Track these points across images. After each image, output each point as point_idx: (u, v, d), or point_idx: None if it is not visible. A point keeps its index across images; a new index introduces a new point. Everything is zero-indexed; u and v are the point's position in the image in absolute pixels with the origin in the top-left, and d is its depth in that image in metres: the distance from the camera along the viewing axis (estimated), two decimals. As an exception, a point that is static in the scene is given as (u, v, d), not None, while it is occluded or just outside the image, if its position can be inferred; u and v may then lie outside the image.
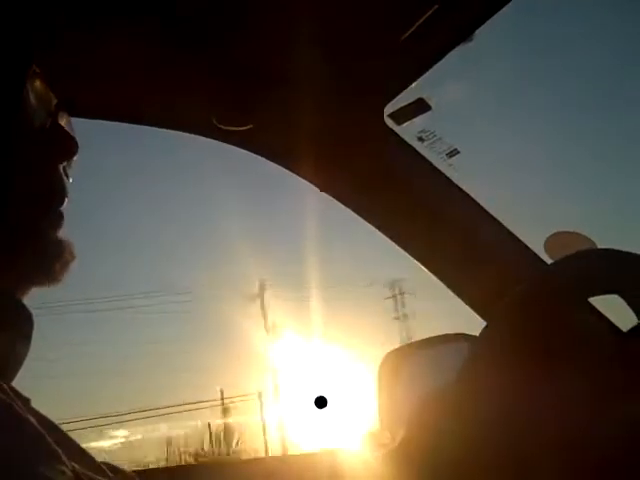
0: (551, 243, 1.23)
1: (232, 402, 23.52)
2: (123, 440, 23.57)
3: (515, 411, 0.89)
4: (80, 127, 0.79)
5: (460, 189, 1.34)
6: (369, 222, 1.42)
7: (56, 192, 0.72)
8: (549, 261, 1.22)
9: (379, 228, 1.44)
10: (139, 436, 23.05)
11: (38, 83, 0.73)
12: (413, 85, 1.29)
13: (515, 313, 0.98)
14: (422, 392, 1.36)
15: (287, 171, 1.41)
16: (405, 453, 0.93)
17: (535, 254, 1.26)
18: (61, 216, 0.73)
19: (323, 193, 1.44)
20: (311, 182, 1.45)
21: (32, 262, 0.70)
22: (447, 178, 1.36)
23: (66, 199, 0.73)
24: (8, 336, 0.68)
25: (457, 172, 1.34)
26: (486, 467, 0.85)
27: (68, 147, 0.73)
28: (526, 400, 0.91)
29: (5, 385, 0.61)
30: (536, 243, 1.26)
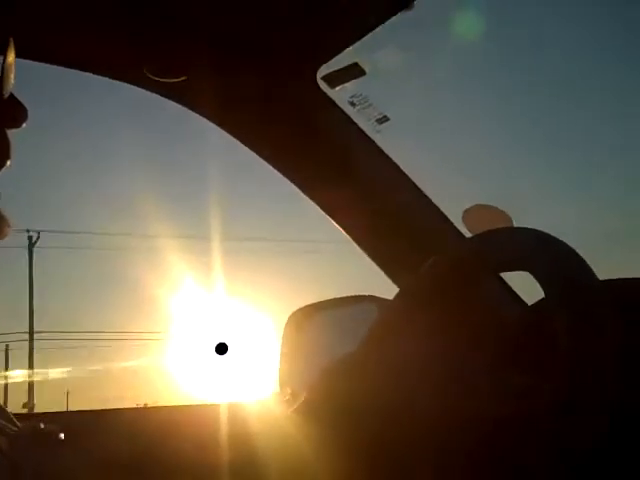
0: (469, 215, 1.26)
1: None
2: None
3: (416, 376, 0.93)
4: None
5: (387, 156, 1.36)
6: (293, 182, 1.42)
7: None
8: (467, 233, 1.25)
9: (302, 189, 1.45)
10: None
11: None
12: (349, 49, 1.28)
13: (427, 284, 1.01)
14: (328, 352, 1.39)
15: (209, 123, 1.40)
16: (308, 414, 0.96)
17: (454, 226, 1.29)
18: None
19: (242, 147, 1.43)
20: (237, 138, 1.44)
21: None
22: (375, 144, 1.37)
23: (8, 162, 0.73)
24: None
25: (385, 139, 1.35)
26: (385, 431, 0.89)
27: (18, 116, 0.73)
28: (427, 367, 0.94)
29: None
30: (457, 216, 1.28)
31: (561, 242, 0.86)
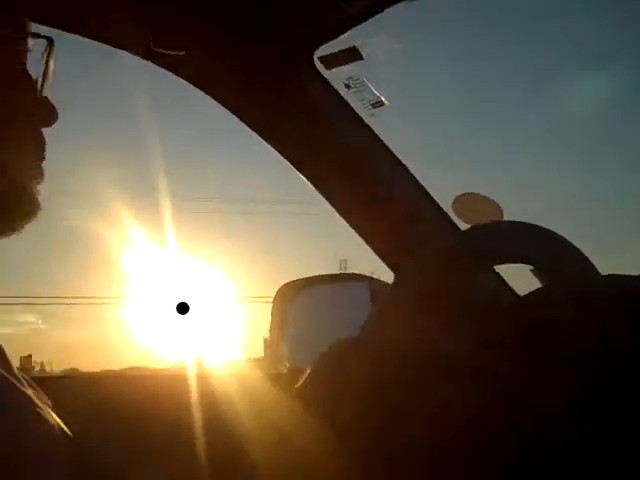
0: (460, 203, 1.30)
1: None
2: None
3: (415, 362, 0.96)
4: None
5: (380, 141, 1.38)
6: (287, 159, 1.44)
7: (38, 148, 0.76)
8: (460, 223, 1.30)
9: (293, 164, 1.47)
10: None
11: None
12: (348, 34, 1.30)
13: (426, 272, 1.05)
14: (319, 328, 1.42)
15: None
16: (311, 397, 0.98)
17: (448, 217, 1.32)
18: (41, 172, 0.76)
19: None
20: (229, 109, 1.45)
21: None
22: (369, 128, 1.40)
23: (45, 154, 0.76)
24: None
25: (379, 124, 1.38)
26: (389, 414, 0.92)
27: (51, 115, 0.76)
28: (424, 352, 0.98)
29: None
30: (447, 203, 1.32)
31: (563, 238, 0.91)
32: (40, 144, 0.76)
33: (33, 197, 0.73)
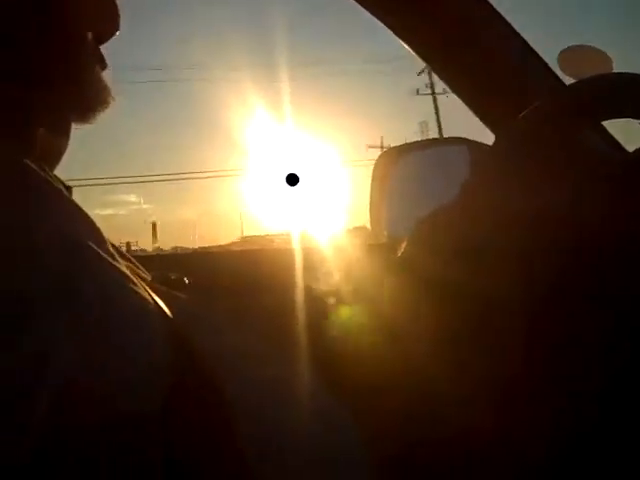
0: (565, 57, 1.22)
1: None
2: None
3: (515, 224, 0.94)
4: None
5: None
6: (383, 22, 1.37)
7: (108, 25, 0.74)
8: (566, 79, 1.22)
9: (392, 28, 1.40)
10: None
11: None
12: None
13: (527, 130, 1.01)
14: (420, 194, 1.41)
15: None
16: (407, 267, 0.98)
17: (555, 74, 1.25)
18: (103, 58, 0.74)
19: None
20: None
21: (79, 101, 0.71)
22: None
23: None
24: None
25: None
26: (484, 279, 0.92)
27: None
28: (526, 214, 0.95)
29: (50, 172, 0.65)
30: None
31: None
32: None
33: (103, 85, 0.72)
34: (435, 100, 24.46)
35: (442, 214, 0.98)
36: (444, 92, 21.93)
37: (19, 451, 0.45)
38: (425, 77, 24.85)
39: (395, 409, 0.84)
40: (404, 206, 1.38)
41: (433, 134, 25.22)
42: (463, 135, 1.39)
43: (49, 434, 0.47)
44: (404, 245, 0.98)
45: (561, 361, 0.83)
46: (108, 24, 0.74)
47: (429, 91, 24.73)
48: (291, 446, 0.66)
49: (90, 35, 0.71)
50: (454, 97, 1.34)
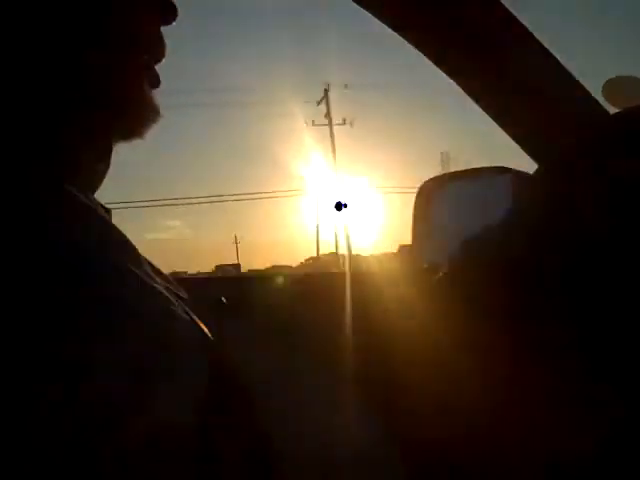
0: (610, 87, 1.23)
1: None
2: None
3: (564, 248, 0.94)
4: None
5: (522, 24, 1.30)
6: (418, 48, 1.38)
7: (157, 50, 0.73)
8: (611, 109, 1.22)
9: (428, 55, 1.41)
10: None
11: None
12: None
13: (572, 157, 1.02)
14: (463, 222, 1.41)
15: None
16: (449, 285, 0.99)
17: (597, 101, 1.25)
18: (158, 77, 0.73)
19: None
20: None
21: (128, 120, 0.71)
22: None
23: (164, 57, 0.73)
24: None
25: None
26: (527, 296, 0.92)
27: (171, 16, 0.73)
28: (575, 237, 0.95)
29: (90, 194, 0.67)
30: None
31: None
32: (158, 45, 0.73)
33: (151, 102, 0.71)
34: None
35: (489, 233, 0.99)
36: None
37: None
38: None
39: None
40: (445, 235, 1.39)
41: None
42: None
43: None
44: (449, 263, 0.99)
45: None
46: (159, 47, 0.73)
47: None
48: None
49: (146, 58, 0.71)
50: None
